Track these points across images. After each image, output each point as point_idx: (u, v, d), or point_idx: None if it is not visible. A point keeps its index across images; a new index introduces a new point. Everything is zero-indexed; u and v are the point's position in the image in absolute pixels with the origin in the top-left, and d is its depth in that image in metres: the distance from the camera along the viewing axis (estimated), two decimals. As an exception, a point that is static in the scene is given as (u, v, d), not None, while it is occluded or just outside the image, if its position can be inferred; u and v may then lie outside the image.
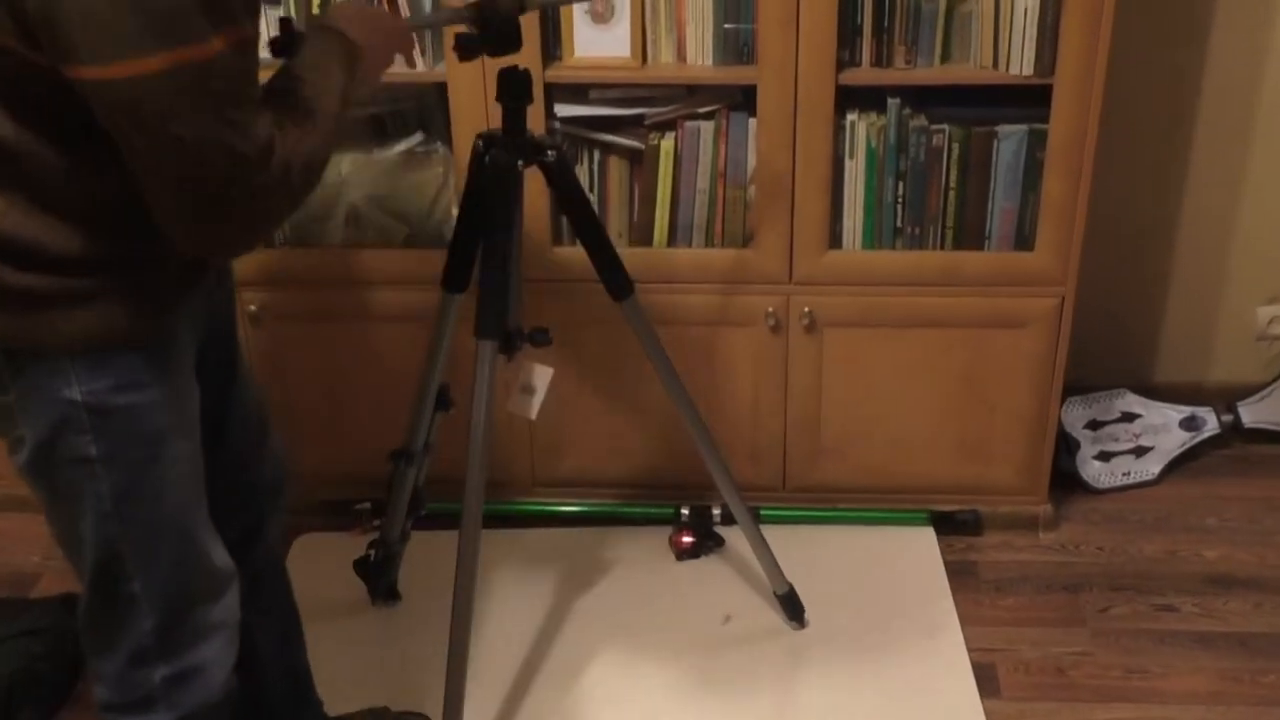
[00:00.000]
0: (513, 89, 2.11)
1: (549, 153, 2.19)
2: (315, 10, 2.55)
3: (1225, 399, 3.33)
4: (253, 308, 2.85)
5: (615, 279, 2.31)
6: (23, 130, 1.49)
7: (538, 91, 2.45)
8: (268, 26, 2.43)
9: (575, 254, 2.37)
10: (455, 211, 2.48)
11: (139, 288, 1.63)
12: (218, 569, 1.85)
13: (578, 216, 2.29)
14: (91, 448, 1.66)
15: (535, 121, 2.53)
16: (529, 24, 2.28)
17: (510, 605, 2.81)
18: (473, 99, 2.61)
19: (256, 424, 2.05)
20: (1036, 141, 2.65)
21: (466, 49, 1.99)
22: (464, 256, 2.28)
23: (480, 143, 2.20)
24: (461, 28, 2.03)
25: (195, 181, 1.47)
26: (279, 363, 2.92)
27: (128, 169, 1.49)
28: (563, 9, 2.59)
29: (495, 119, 2.19)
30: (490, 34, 1.99)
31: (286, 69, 1.67)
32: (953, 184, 2.72)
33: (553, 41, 2.64)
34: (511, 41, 2.01)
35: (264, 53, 1.63)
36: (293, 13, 2.60)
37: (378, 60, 1.82)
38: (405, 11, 2.55)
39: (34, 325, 1.59)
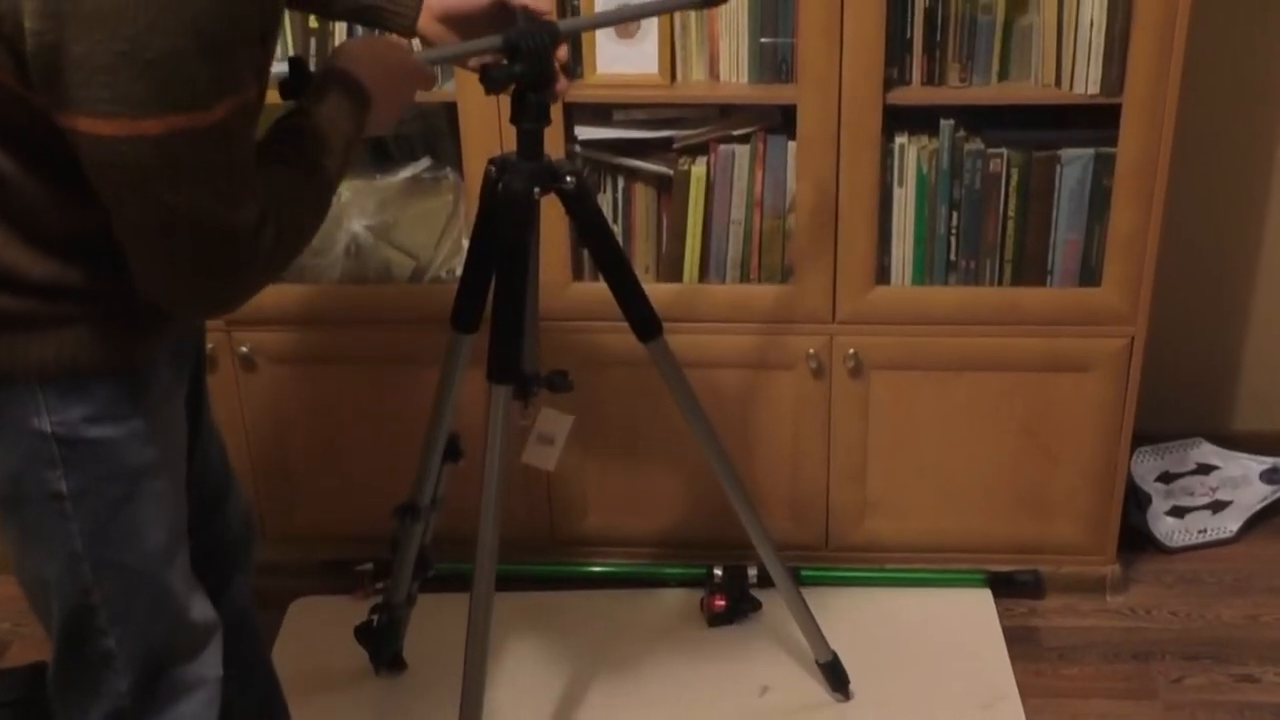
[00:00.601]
0: (528, 110, 2.08)
1: (568, 179, 2.15)
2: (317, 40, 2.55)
3: (1310, 449, 3.32)
4: (244, 349, 2.83)
5: (641, 318, 2.28)
6: (8, 159, 1.52)
7: (557, 112, 2.40)
8: (285, 47, 2.44)
9: (598, 290, 2.35)
10: (465, 243, 2.49)
11: (118, 313, 1.63)
12: (198, 623, 1.85)
13: (599, 249, 2.27)
14: (61, 483, 1.66)
15: (554, 145, 2.52)
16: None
17: (526, 676, 2.79)
18: (484, 120, 2.59)
19: (221, 473, 2.06)
20: (1103, 166, 2.64)
21: (495, 81, 1.97)
22: (475, 293, 2.25)
23: (492, 168, 2.18)
24: (487, 57, 2.02)
25: (177, 248, 1.49)
26: (273, 409, 2.92)
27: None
28: (598, 29, 2.58)
29: (509, 142, 2.17)
30: (523, 67, 1.97)
31: (292, 117, 1.68)
32: (1011, 213, 2.69)
33: (574, 58, 2.57)
34: (545, 73, 2.00)
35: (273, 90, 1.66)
36: (295, 47, 2.60)
37: (390, 105, 1.82)
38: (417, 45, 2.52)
39: (1, 348, 1.60)
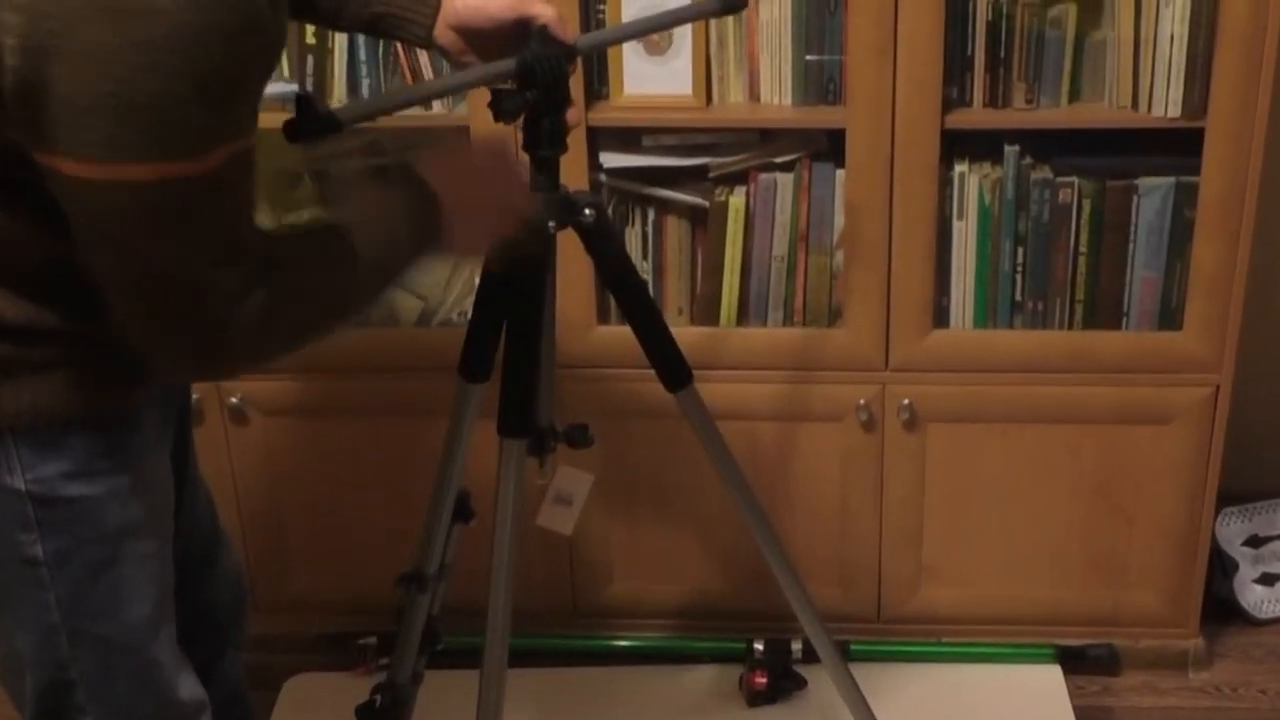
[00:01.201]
0: (542, 136, 2.04)
1: (586, 212, 2.12)
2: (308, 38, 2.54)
3: None
4: (234, 400, 2.84)
5: (669, 364, 2.24)
6: None
7: (579, 138, 2.45)
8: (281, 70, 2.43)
9: (624, 334, 2.30)
10: (476, 283, 2.41)
11: (98, 358, 1.64)
12: (186, 702, 1.86)
13: (622, 289, 2.23)
14: (37, 547, 1.67)
15: (576, 174, 2.53)
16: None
17: (544, 762, 2.76)
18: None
19: (209, 532, 2.06)
20: (1185, 197, 2.63)
21: (505, 109, 1.93)
22: (486, 338, 2.21)
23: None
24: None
25: (151, 301, 1.51)
26: (266, 467, 2.92)
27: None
28: (621, 43, 2.58)
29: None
30: (535, 91, 1.94)
31: (350, 202, 1.72)
32: (1083, 249, 2.69)
33: (597, 77, 2.63)
34: (560, 98, 1.98)
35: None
36: (291, 68, 2.61)
37: (476, 228, 1.83)
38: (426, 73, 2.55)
39: None
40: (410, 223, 1.73)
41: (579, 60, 2.08)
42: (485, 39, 1.99)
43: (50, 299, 1.60)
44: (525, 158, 2.02)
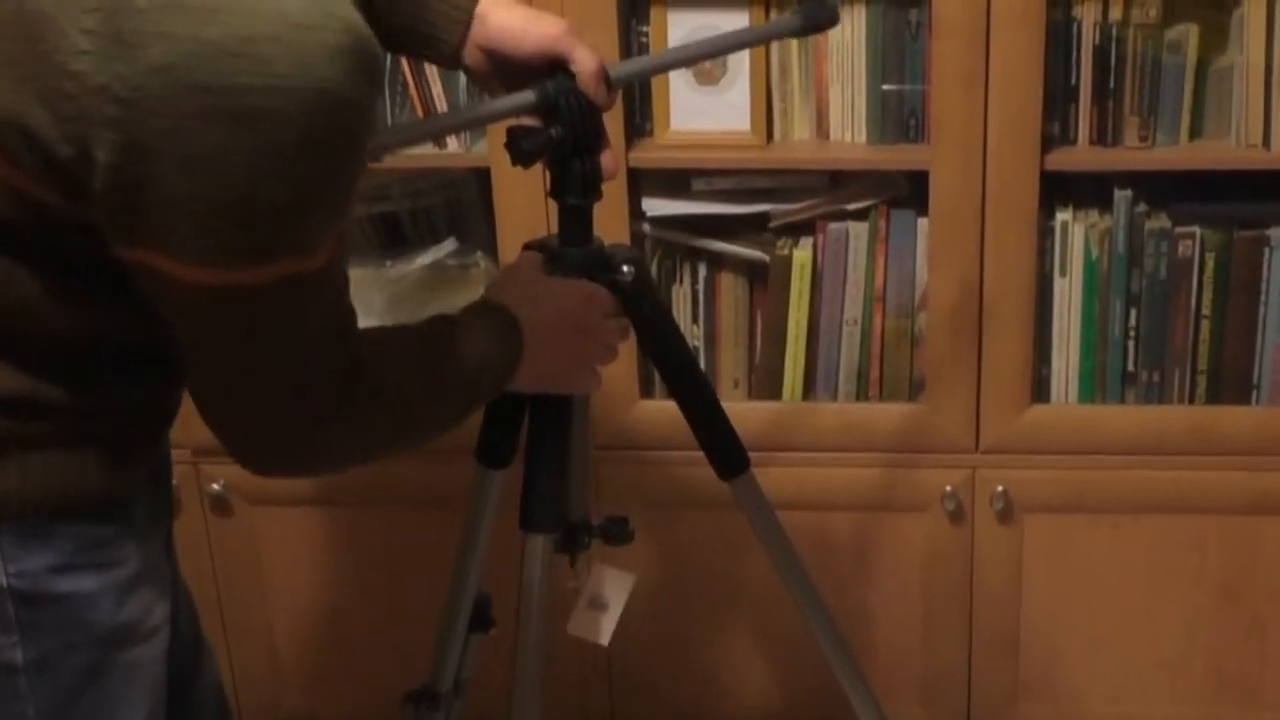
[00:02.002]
0: (571, 181, 2.00)
1: (624, 269, 2.06)
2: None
3: None
4: (216, 486, 2.80)
5: (723, 449, 2.20)
6: (24, 278, 1.53)
7: (616, 180, 2.32)
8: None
9: (671, 410, 2.27)
10: None
11: (100, 435, 1.63)
12: None
13: (666, 360, 2.20)
14: (17, 651, 1.63)
15: (615, 223, 2.51)
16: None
17: None
18: (525, 191, 2.53)
19: (191, 644, 2.01)
20: None
21: (524, 150, 1.90)
22: (506, 416, 2.15)
23: (531, 257, 2.10)
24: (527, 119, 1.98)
25: (253, 399, 1.56)
26: (252, 564, 2.90)
27: (136, 313, 1.55)
28: (667, 72, 2.56)
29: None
30: (561, 130, 1.92)
31: (436, 320, 1.78)
32: (1206, 311, 2.64)
33: (640, 110, 2.60)
34: (590, 136, 1.93)
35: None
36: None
37: (550, 359, 1.89)
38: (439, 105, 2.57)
39: None
40: (494, 346, 1.79)
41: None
42: (509, 72, 1.96)
43: (57, 368, 1.58)
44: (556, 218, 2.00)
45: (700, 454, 2.21)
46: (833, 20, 2.06)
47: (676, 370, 2.21)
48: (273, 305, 1.48)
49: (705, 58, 2.38)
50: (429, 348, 1.74)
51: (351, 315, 1.61)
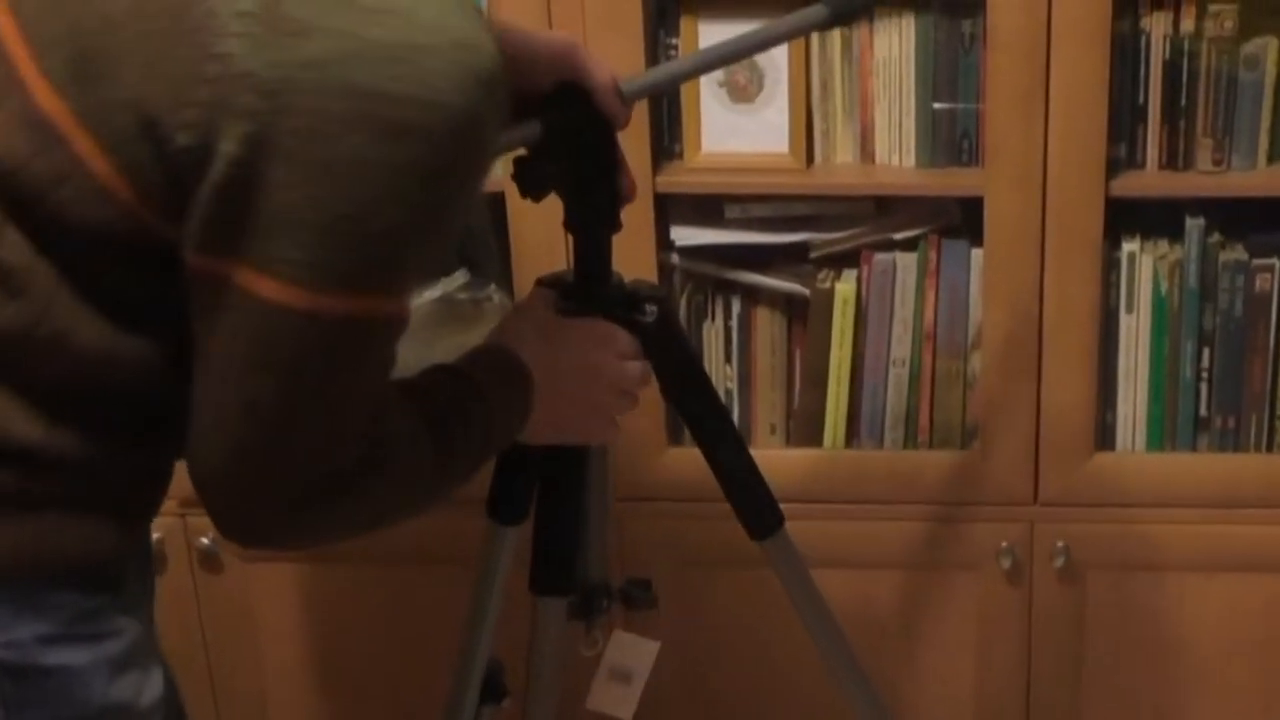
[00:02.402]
0: (586, 208, 1.99)
1: (647, 308, 2.03)
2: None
3: None
4: (205, 540, 2.75)
5: (754, 507, 2.17)
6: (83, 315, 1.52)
7: (643, 206, 2.38)
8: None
9: (701, 460, 2.22)
10: None
11: (103, 495, 1.61)
12: None
13: (691, 410, 2.18)
14: None
15: (640, 253, 2.49)
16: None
17: None
18: (540, 220, 2.44)
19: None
20: None
21: (529, 183, 1.91)
22: (520, 467, 2.13)
23: (543, 295, 2.10)
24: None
25: (276, 447, 1.52)
26: (243, 625, 2.87)
27: (168, 354, 1.54)
28: (685, 82, 2.53)
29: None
30: (571, 158, 1.91)
31: (445, 371, 1.77)
32: None
33: (668, 131, 2.57)
34: (604, 161, 1.92)
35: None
36: None
37: (561, 410, 1.88)
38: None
39: None
40: (508, 401, 1.78)
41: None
42: (522, 93, 1.92)
43: (71, 418, 1.56)
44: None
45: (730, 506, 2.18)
46: (865, 6, 2.02)
47: (704, 421, 2.18)
48: (341, 343, 1.47)
49: (725, 63, 2.30)
50: (444, 416, 1.70)
51: (391, 390, 1.61)
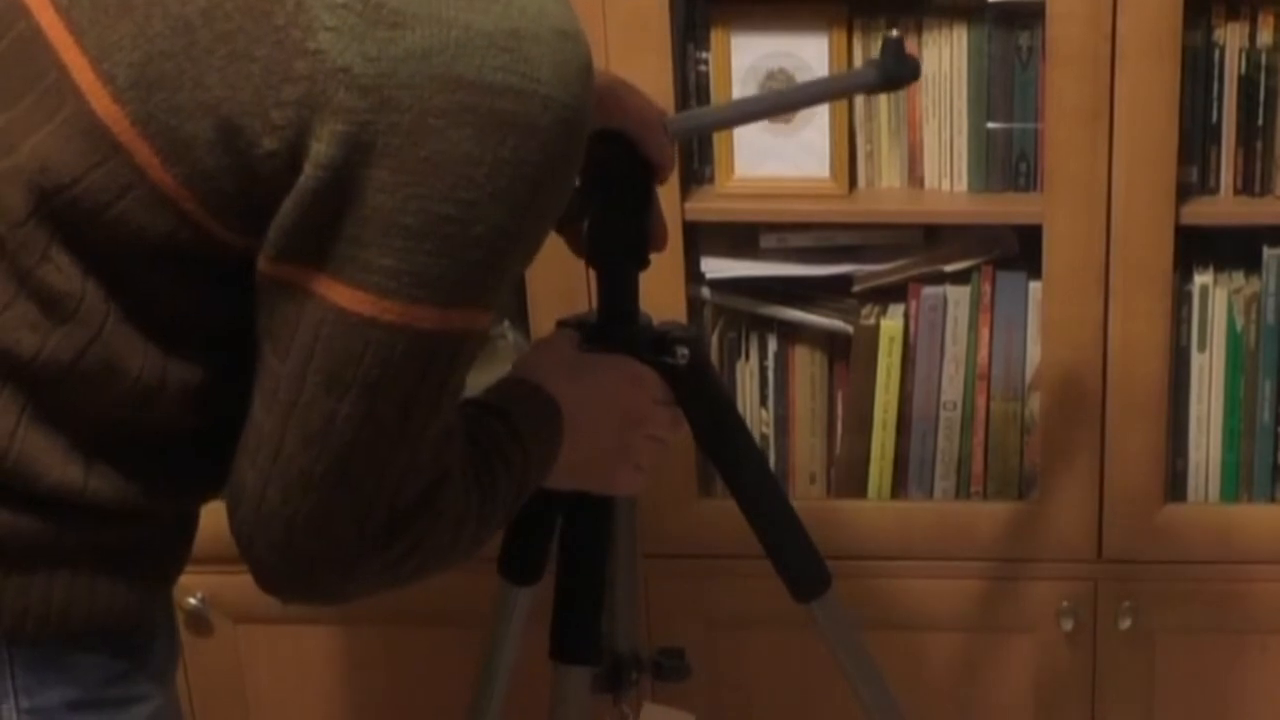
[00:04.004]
0: (615, 241, 2.00)
1: (678, 350, 2.01)
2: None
3: None
4: (193, 600, 2.74)
5: (799, 567, 2.15)
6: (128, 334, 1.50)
7: (671, 236, 2.25)
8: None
9: (735, 511, 2.18)
10: None
11: (141, 547, 1.61)
12: None
13: (728, 461, 2.15)
14: None
15: (668, 287, 2.48)
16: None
17: None
18: (560, 254, 2.33)
19: None
20: None
21: (563, 217, 1.88)
22: (537, 522, 2.10)
23: (566, 335, 2.08)
24: None
25: (319, 494, 1.48)
26: (235, 690, 2.85)
27: (216, 384, 1.53)
28: (719, 96, 2.54)
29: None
30: (601, 191, 1.92)
31: (491, 411, 1.74)
32: None
33: (698, 153, 2.57)
34: (634, 206, 1.93)
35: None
36: None
37: (588, 451, 1.85)
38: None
39: None
40: (542, 440, 1.75)
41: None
42: None
43: (109, 458, 1.54)
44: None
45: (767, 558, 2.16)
46: (913, 75, 2.05)
47: (742, 473, 2.15)
48: (429, 361, 1.46)
49: (771, 115, 2.34)
50: (486, 453, 1.68)
51: (457, 420, 1.60)
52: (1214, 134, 2.46)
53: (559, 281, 2.52)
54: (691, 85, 2.49)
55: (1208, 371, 2.56)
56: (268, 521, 1.53)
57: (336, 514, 1.52)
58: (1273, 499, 2.61)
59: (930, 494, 2.66)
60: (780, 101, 2.23)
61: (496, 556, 2.16)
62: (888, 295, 2.60)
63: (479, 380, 2.46)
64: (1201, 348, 2.55)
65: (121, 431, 1.56)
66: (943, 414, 2.63)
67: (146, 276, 1.50)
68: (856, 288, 2.58)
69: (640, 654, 2.21)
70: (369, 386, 1.46)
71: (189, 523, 1.71)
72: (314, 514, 1.51)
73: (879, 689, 2.23)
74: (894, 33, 2.03)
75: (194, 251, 1.47)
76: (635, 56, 2.37)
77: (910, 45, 2.49)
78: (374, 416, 1.48)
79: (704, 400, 2.08)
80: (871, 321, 2.58)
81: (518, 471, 1.72)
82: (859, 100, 2.54)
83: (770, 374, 2.66)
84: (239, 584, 2.42)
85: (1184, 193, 2.45)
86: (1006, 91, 2.49)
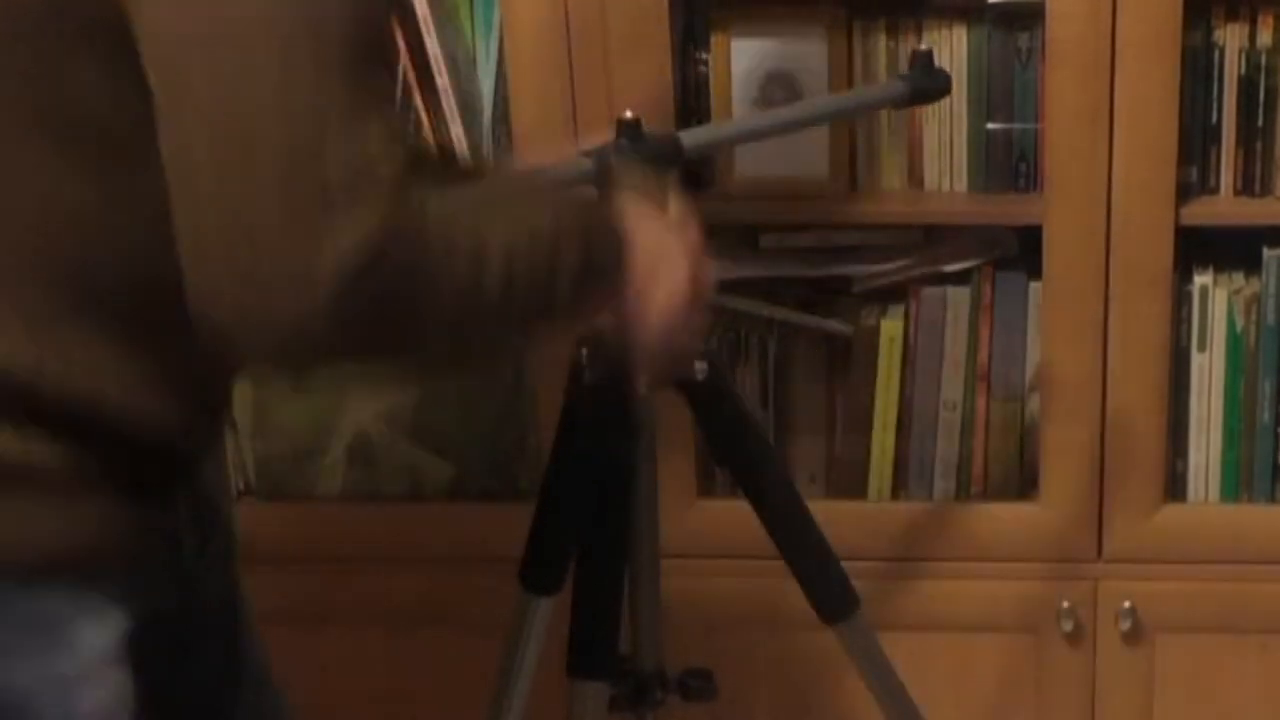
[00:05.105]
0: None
1: (696, 365, 2.04)
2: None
3: None
4: None
5: (825, 587, 2.16)
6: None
7: None
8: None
9: (737, 511, 2.21)
10: (535, 443, 2.60)
11: (102, 466, 1.53)
12: None
13: (749, 475, 2.14)
14: None
15: None
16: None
17: None
18: None
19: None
20: None
21: None
22: (557, 535, 2.11)
23: (582, 351, 2.06)
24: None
25: (277, 181, 1.39)
26: None
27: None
28: (718, 99, 2.55)
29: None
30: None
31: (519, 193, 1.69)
32: None
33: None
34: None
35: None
36: None
37: (652, 312, 1.74)
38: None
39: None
40: (586, 250, 1.65)
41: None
42: None
43: (64, 319, 1.49)
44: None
45: (778, 563, 2.15)
46: (944, 90, 2.07)
47: (765, 490, 2.15)
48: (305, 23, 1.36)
49: (790, 128, 2.30)
50: (536, 238, 1.57)
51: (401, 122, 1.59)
52: (1214, 134, 2.47)
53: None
54: (692, 86, 2.51)
55: (1208, 372, 2.57)
56: (209, 251, 1.44)
57: (263, 191, 1.41)
58: (1273, 499, 2.62)
59: (930, 494, 2.68)
60: (809, 115, 2.24)
61: (518, 567, 2.16)
62: (888, 296, 2.62)
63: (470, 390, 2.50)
64: (1201, 348, 2.56)
65: (78, 283, 1.50)
66: (943, 414, 2.64)
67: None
68: (856, 288, 2.60)
69: (667, 674, 2.21)
70: (248, 29, 1.39)
71: (198, 420, 1.63)
72: (242, 202, 1.42)
73: (908, 709, 2.26)
74: (924, 46, 2.14)
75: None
76: (635, 66, 2.38)
77: (909, 46, 2.51)
78: (275, 54, 1.39)
79: (722, 415, 2.11)
80: (871, 322, 2.60)
81: (579, 248, 1.63)
82: (858, 99, 2.56)
83: (770, 376, 2.67)
84: (247, 585, 2.36)
85: (1184, 193, 2.46)
86: (1006, 92, 2.51)
